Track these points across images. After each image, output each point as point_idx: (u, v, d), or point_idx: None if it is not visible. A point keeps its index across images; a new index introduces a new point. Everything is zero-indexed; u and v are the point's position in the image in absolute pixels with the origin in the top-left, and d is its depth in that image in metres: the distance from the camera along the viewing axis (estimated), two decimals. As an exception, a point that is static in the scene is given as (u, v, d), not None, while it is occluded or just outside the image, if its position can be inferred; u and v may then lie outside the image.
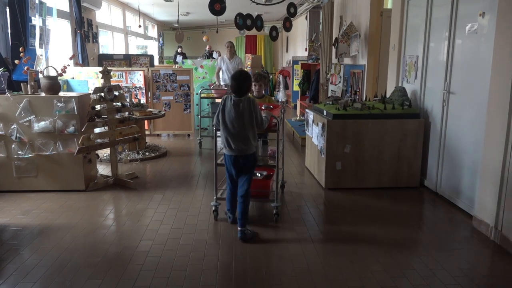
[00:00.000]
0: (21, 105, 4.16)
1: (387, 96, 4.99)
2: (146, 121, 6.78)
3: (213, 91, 7.13)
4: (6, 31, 5.08)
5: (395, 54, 5.18)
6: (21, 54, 4.67)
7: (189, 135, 7.31)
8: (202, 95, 6.88)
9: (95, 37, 8.75)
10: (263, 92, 4.34)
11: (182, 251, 2.97)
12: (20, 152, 4.23)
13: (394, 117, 4.36)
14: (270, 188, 3.79)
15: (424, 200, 4.15)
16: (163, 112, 6.24)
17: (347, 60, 7.05)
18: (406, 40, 4.90)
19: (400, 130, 4.34)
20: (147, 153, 5.89)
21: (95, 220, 3.57)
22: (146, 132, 6.90)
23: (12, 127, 4.18)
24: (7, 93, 4.25)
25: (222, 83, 7.49)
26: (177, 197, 4.15)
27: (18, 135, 4.20)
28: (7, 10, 5.05)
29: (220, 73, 7.63)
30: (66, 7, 7.34)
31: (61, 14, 6.94)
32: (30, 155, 4.24)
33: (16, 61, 4.73)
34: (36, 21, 5.60)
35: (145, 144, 6.22)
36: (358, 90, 6.45)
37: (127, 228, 3.40)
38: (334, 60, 7.68)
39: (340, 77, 7.37)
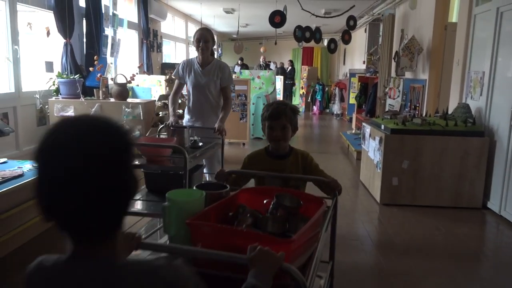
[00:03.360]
0: (93, 109, 4.49)
1: (449, 112, 4.84)
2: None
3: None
4: (82, 40, 5.49)
5: (459, 69, 5.02)
6: (95, 62, 5.05)
7: (244, 144, 7.46)
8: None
9: (159, 46, 9.20)
10: (288, 142, 2.16)
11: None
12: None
13: (456, 134, 4.22)
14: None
15: (486, 223, 3.97)
16: (221, 121, 6.41)
17: (407, 74, 6.90)
18: (472, 55, 4.74)
19: (462, 148, 4.19)
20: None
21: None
22: (203, 139, 7.12)
23: (84, 129, 4.51)
24: (81, 97, 4.60)
25: (186, 118, 3.63)
26: (232, 203, 4.27)
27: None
28: (84, 21, 5.46)
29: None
30: (135, 19, 7.80)
31: (130, 25, 7.39)
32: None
33: (90, 69, 5.10)
34: (109, 31, 6.00)
35: (202, 151, 6.42)
36: (418, 105, 6.30)
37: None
38: (393, 74, 7.55)
39: (399, 91, 7.22)
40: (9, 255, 2.86)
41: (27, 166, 3.31)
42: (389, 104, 7.63)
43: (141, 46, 7.98)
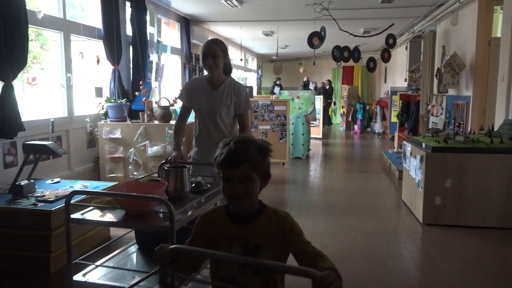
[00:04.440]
0: (139, 131, 4.71)
1: (495, 129, 4.68)
2: (243, 149, 7.11)
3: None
4: (129, 66, 5.81)
5: (504, 85, 4.87)
6: (141, 87, 5.32)
7: (283, 164, 7.51)
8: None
9: (201, 70, 9.51)
10: (256, 197, 1.49)
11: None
12: (135, 173, 4.76)
13: (502, 151, 4.07)
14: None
15: (538, 244, 3.77)
16: (260, 141, 6.51)
17: (450, 91, 6.75)
18: (517, 70, 4.59)
19: (509, 166, 4.03)
20: (243, 179, 6.16)
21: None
22: (243, 159, 7.23)
23: (130, 150, 4.74)
24: (128, 120, 4.85)
25: (193, 151, 3.07)
26: (271, 222, 4.30)
27: (134, 157, 4.74)
28: (131, 48, 5.79)
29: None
30: (178, 44, 8.14)
31: (173, 50, 7.72)
32: (142, 175, 4.75)
33: (136, 93, 5.38)
34: (153, 57, 6.31)
35: (242, 171, 6.52)
36: (462, 122, 6.12)
37: (224, 248, 3.61)
38: (436, 91, 7.39)
39: (442, 108, 7.06)
40: (60, 270, 3.04)
41: (78, 186, 3.52)
42: (432, 122, 7.46)
43: (183, 70, 8.30)
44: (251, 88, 9.40)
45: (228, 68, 2.92)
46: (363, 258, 3.40)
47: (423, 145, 4.40)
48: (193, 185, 2.41)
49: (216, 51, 2.77)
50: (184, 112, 2.97)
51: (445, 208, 4.16)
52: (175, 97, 4.99)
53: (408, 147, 4.85)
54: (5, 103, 3.38)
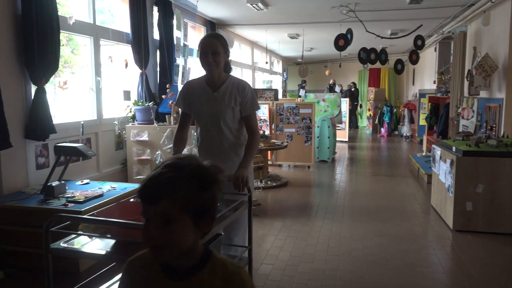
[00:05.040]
0: (165, 134, 4.77)
1: (530, 132, 4.51)
2: (269, 152, 7.12)
3: None
4: (156, 70, 5.90)
5: (540, 86, 4.69)
6: (167, 90, 5.39)
7: (309, 167, 7.45)
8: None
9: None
10: (186, 244, 1.04)
11: (300, 278, 3.05)
12: (161, 175, 4.81)
13: (537, 156, 3.92)
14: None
15: None
16: (286, 144, 6.51)
17: (482, 93, 6.55)
18: (554, 71, 4.41)
19: (545, 171, 3.88)
20: (269, 182, 6.17)
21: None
22: (269, 162, 7.23)
23: (157, 152, 4.81)
24: (154, 123, 4.92)
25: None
26: (296, 226, 4.27)
27: (161, 160, 4.80)
28: (158, 52, 5.88)
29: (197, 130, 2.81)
30: (204, 48, 8.23)
31: (199, 54, 7.81)
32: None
33: (163, 96, 5.45)
34: (180, 61, 6.39)
35: (267, 174, 6.52)
36: (494, 125, 5.92)
37: (249, 251, 3.61)
38: (466, 93, 7.19)
39: (473, 111, 6.85)
40: (87, 270, 3.10)
41: (106, 187, 3.59)
42: (463, 125, 7.25)
43: (209, 73, 8.37)
44: (276, 90, 9.40)
45: (228, 65, 2.58)
46: (391, 264, 3.33)
47: (454, 149, 4.28)
48: None
49: (216, 47, 2.43)
50: (184, 120, 2.61)
51: (477, 214, 4.03)
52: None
53: (438, 151, 4.73)
54: (38, 106, 3.49)
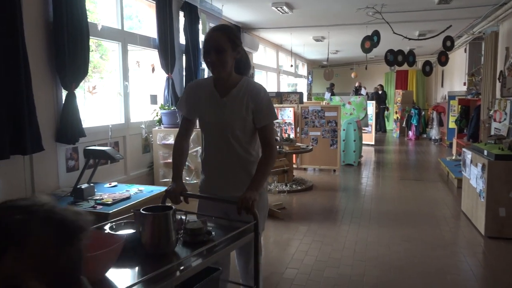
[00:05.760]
0: (191, 137, 4.81)
1: None
2: (294, 155, 7.08)
3: None
4: (182, 74, 5.97)
5: None
6: (193, 94, 5.43)
7: (334, 171, 7.37)
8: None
9: (251, 77, 9.60)
10: None
11: (325, 284, 3.01)
12: (187, 178, 4.86)
13: None
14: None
15: None
16: (311, 147, 6.46)
17: (514, 95, 6.33)
18: None
19: None
20: (294, 186, 6.13)
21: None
22: (294, 166, 7.20)
23: (183, 156, 4.86)
24: (180, 127, 4.97)
25: (201, 178, 2.32)
26: (321, 230, 4.23)
27: (186, 163, 4.85)
28: (184, 57, 5.95)
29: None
30: (229, 52, 8.29)
31: (225, 58, 7.87)
32: (195, 181, 4.84)
33: (189, 100, 5.50)
34: (204, 65, 6.45)
35: (292, 177, 6.49)
36: (528, 128, 5.71)
37: (274, 255, 3.59)
38: (499, 95, 6.97)
39: (506, 114, 6.63)
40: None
41: (134, 190, 3.65)
42: (495, 128, 7.02)
43: (234, 77, 8.41)
44: (301, 93, 9.35)
45: (242, 64, 2.14)
46: (420, 270, 3.25)
47: (485, 152, 4.15)
48: (188, 231, 1.68)
49: (220, 43, 1.97)
50: (185, 126, 2.20)
51: (510, 220, 3.89)
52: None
53: (468, 155, 4.59)
54: (68, 111, 3.58)
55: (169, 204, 1.72)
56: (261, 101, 2.06)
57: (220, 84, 2.09)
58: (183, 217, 1.77)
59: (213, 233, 1.73)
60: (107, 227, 1.75)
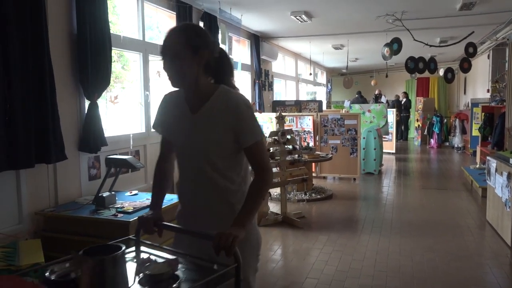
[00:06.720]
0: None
1: None
2: (313, 163, 7.04)
3: None
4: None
5: None
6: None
7: (354, 179, 7.29)
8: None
9: (270, 85, 9.62)
10: None
11: (346, 295, 2.97)
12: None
13: None
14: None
15: None
16: (330, 156, 6.42)
17: (540, 102, 6.16)
18: None
19: None
20: (313, 194, 6.09)
21: (264, 253, 3.84)
22: (313, 174, 7.15)
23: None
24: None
25: (178, 209, 1.85)
26: (342, 240, 4.17)
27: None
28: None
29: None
30: (248, 61, 8.32)
31: (244, 67, 7.90)
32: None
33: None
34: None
35: (312, 186, 6.44)
36: (556, 135, 5.55)
37: (293, 265, 3.56)
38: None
39: (532, 120, 6.45)
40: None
41: (154, 198, 3.68)
42: (520, 136, 6.84)
43: (253, 86, 8.44)
44: (320, 102, 9.29)
45: (221, 69, 1.68)
46: (443, 282, 3.17)
47: (511, 161, 4.04)
48: (146, 277, 1.33)
49: (174, 48, 1.59)
50: (166, 147, 1.81)
51: (538, 231, 3.77)
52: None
53: (493, 163, 4.48)
54: (91, 120, 3.65)
55: (120, 245, 1.35)
56: (242, 116, 1.60)
57: (190, 97, 1.68)
58: (151, 256, 1.49)
59: (182, 277, 1.35)
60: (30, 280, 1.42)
